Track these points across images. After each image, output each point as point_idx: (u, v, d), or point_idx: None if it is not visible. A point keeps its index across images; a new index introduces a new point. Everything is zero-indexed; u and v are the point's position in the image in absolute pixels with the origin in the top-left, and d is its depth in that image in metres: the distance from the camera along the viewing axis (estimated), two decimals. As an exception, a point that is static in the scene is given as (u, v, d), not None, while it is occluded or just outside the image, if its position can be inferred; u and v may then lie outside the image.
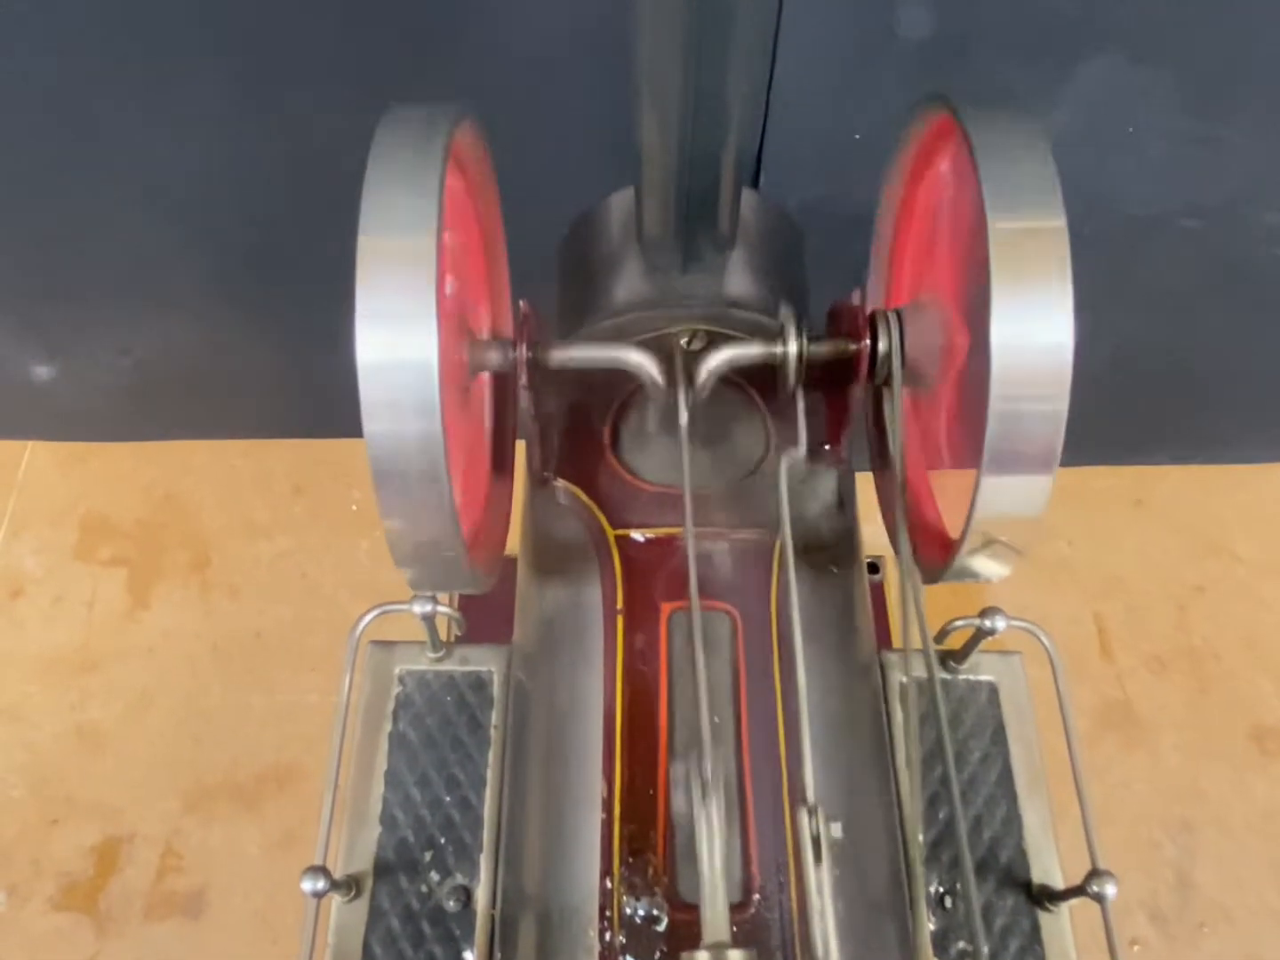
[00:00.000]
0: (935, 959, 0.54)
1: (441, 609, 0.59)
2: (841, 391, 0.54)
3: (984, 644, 0.61)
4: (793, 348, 0.51)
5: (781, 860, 0.46)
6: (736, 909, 0.44)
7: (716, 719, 0.48)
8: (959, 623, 0.60)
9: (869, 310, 0.51)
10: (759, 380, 0.57)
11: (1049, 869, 0.57)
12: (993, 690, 0.63)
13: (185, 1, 0.76)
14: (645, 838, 0.47)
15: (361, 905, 0.55)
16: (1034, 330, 0.39)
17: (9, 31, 0.78)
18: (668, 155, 0.54)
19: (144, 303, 1.11)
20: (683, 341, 0.57)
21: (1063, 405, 0.40)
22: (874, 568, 1.09)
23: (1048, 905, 0.56)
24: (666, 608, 0.52)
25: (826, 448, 0.56)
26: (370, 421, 0.40)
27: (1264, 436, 1.32)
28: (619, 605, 0.52)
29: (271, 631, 1.24)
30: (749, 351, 0.52)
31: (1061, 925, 0.56)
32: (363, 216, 0.41)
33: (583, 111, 0.82)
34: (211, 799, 1.14)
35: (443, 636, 0.62)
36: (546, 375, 0.53)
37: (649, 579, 0.53)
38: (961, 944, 0.54)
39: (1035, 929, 0.56)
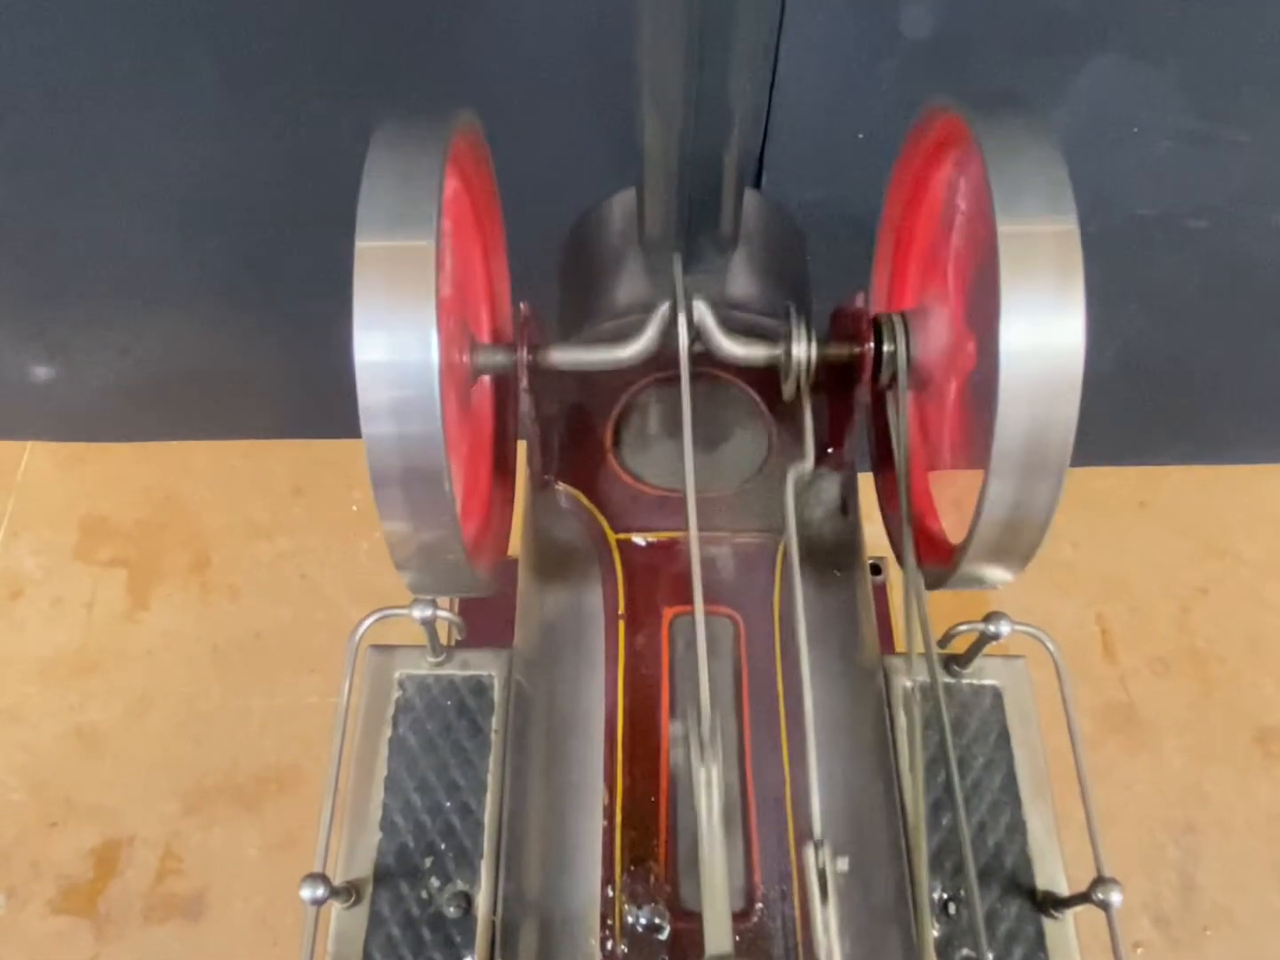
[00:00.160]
0: None
1: (441, 614, 0.58)
2: (844, 394, 0.54)
3: (988, 648, 0.61)
4: (801, 351, 0.51)
5: (784, 868, 0.46)
6: (739, 917, 0.44)
7: (719, 725, 0.48)
8: (963, 627, 0.59)
9: (873, 313, 0.51)
10: (759, 382, 0.57)
11: (1054, 875, 0.57)
12: (997, 695, 0.62)
13: (185, 2, 0.76)
14: (647, 845, 0.46)
15: (361, 912, 0.55)
16: (1044, 335, 0.38)
17: (9, 32, 0.78)
18: (669, 156, 0.53)
19: (144, 303, 1.11)
20: (684, 344, 0.57)
21: (1073, 411, 0.39)
22: (876, 569, 1.08)
23: (1052, 912, 0.55)
24: (668, 612, 0.51)
25: (829, 451, 0.56)
26: (369, 425, 0.40)
27: (1268, 437, 1.32)
28: (620, 610, 0.52)
29: (271, 633, 1.24)
30: (753, 353, 0.52)
31: (1066, 932, 0.55)
32: (361, 218, 0.40)
33: (583, 112, 0.82)
34: (211, 801, 1.14)
35: (443, 640, 0.62)
36: (547, 377, 0.52)
37: (651, 583, 0.52)
38: (966, 951, 0.54)
39: (1040, 936, 0.55)
